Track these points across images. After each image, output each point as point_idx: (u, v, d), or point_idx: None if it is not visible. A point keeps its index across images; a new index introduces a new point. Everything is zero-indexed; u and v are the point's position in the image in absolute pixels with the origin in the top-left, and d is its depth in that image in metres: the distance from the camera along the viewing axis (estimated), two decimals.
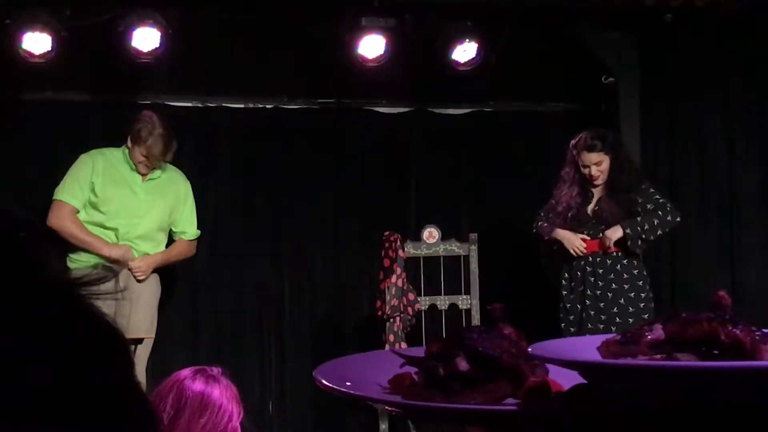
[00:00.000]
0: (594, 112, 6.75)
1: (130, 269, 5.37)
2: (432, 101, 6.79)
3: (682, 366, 0.75)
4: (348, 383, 0.99)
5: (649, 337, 0.81)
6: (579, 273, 5.52)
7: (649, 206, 5.48)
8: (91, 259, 5.40)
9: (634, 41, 6.47)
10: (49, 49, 5.63)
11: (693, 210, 6.57)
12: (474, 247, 6.00)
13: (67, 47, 5.69)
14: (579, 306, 5.50)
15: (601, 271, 5.44)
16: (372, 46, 6.02)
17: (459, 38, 6.09)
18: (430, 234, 6.05)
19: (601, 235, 5.48)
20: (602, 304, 5.41)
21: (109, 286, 0.72)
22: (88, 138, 6.01)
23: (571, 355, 0.84)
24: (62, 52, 5.68)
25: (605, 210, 5.50)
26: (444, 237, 6.05)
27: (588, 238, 5.50)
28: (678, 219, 5.54)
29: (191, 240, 5.76)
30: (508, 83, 6.70)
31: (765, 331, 0.80)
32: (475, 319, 5.95)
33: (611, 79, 6.50)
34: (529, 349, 0.89)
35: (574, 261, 5.54)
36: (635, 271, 5.46)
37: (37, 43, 5.61)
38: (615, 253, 5.46)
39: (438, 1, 5.98)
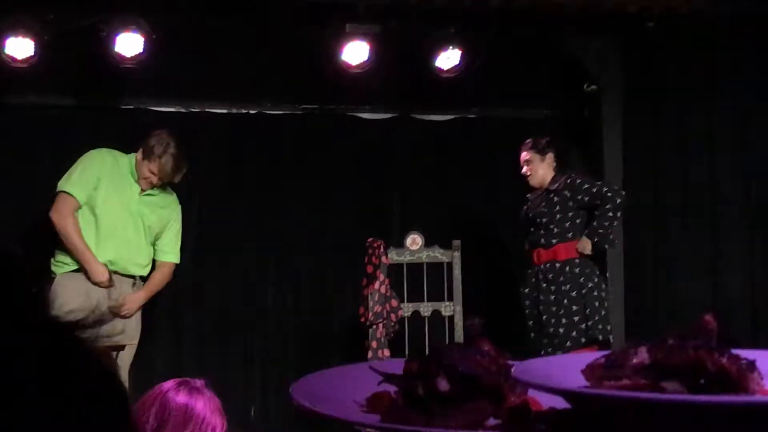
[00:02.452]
0: (577, 119, 6.77)
1: (116, 308, 5.32)
2: (416, 107, 6.80)
3: (670, 399, 0.75)
4: (325, 402, 0.98)
5: (634, 360, 0.82)
6: (534, 279, 5.64)
7: (586, 199, 5.54)
8: (73, 265, 5.36)
9: (617, 48, 6.50)
10: (32, 53, 5.61)
11: (675, 217, 6.61)
12: (457, 254, 6.01)
13: (50, 52, 5.66)
14: (536, 311, 5.59)
15: (551, 276, 5.55)
16: (356, 52, 6.02)
17: (443, 45, 6.11)
18: (414, 240, 6.06)
19: (542, 240, 5.59)
20: (554, 308, 5.48)
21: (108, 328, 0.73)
22: (71, 142, 5.98)
23: (555, 377, 0.84)
24: (45, 56, 5.65)
25: (532, 210, 5.67)
26: (427, 243, 6.05)
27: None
28: (623, 194, 5.63)
29: (171, 264, 5.69)
30: (491, 90, 6.71)
31: (750, 358, 0.80)
32: (458, 326, 5.95)
33: (594, 86, 6.52)
34: (513, 371, 0.89)
35: (530, 268, 5.71)
36: (577, 270, 5.54)
37: (19, 47, 5.59)
38: (564, 259, 5.54)
39: (422, 8, 5.98)
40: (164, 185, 5.55)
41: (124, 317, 5.35)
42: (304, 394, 0.97)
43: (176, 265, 5.69)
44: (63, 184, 5.34)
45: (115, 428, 0.65)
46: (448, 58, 6.12)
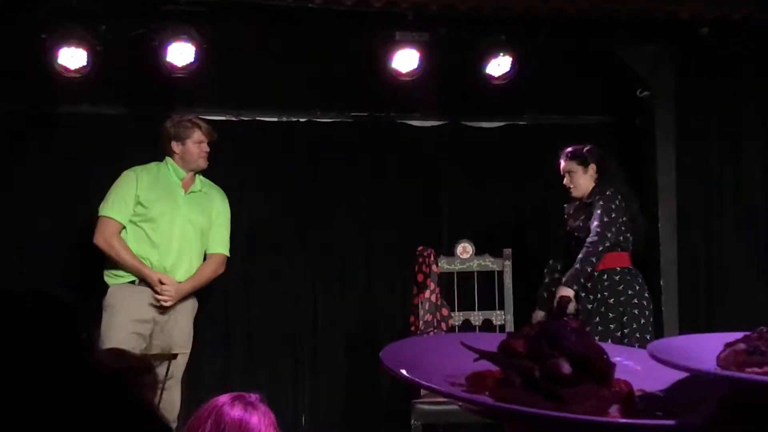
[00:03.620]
0: (629, 126, 6.70)
1: (157, 293, 5.35)
2: (465, 114, 6.76)
3: None
4: (415, 371, 0.94)
5: None
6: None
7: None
8: (129, 277, 5.39)
9: (669, 54, 6.42)
10: (85, 63, 5.65)
11: (729, 224, 6.51)
12: (508, 263, 5.97)
13: (103, 62, 5.71)
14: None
15: (589, 285, 5.46)
16: (406, 59, 6.00)
17: (493, 52, 6.07)
18: (464, 249, 6.02)
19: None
20: (591, 316, 5.39)
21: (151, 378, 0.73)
22: (123, 151, 6.04)
23: (694, 360, 0.80)
24: (97, 66, 5.70)
25: (570, 225, 5.59)
26: (478, 252, 6.01)
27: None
28: (600, 249, 5.36)
29: (221, 255, 5.71)
30: (542, 96, 6.67)
31: None
32: None
33: (646, 92, 6.44)
34: (652, 352, 0.85)
35: None
36: (616, 277, 5.43)
37: (72, 57, 5.63)
38: (601, 269, 5.42)
39: (472, 15, 5.94)
40: (206, 184, 5.67)
41: (163, 305, 5.37)
42: (399, 364, 0.93)
43: (227, 258, 5.73)
44: (101, 209, 5.46)
45: None
46: (499, 65, 6.07)
